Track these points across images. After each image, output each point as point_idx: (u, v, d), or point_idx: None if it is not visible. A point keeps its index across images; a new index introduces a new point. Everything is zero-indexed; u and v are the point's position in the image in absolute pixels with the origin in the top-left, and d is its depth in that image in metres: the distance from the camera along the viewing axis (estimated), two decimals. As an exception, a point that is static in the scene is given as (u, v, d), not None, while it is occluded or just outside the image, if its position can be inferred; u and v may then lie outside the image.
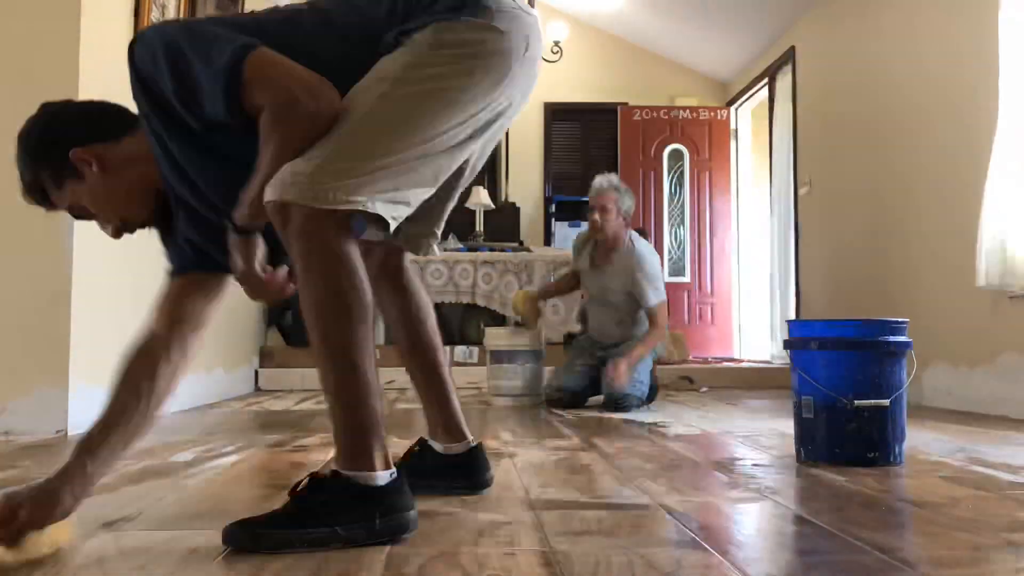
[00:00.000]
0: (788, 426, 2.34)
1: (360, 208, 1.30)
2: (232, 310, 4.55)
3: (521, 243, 6.90)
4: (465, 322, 5.99)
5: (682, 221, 7.63)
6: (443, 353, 1.74)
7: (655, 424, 3.11)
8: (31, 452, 2.34)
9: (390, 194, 1.34)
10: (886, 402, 2.06)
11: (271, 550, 1.22)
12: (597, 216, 3.86)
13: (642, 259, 3.85)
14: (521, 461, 2.16)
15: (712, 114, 7.67)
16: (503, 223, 6.91)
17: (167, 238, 1.54)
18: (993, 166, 3.49)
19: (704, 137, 7.64)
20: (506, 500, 1.63)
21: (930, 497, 1.67)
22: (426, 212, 1.54)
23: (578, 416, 3.44)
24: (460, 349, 5.58)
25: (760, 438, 2.68)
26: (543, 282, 5.72)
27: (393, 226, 1.36)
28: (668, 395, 4.49)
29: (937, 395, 4.08)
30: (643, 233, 4.28)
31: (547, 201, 7.75)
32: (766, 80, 6.79)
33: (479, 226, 6.45)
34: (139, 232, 1.49)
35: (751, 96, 7.38)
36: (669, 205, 7.62)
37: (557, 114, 7.95)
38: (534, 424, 3.11)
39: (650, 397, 3.86)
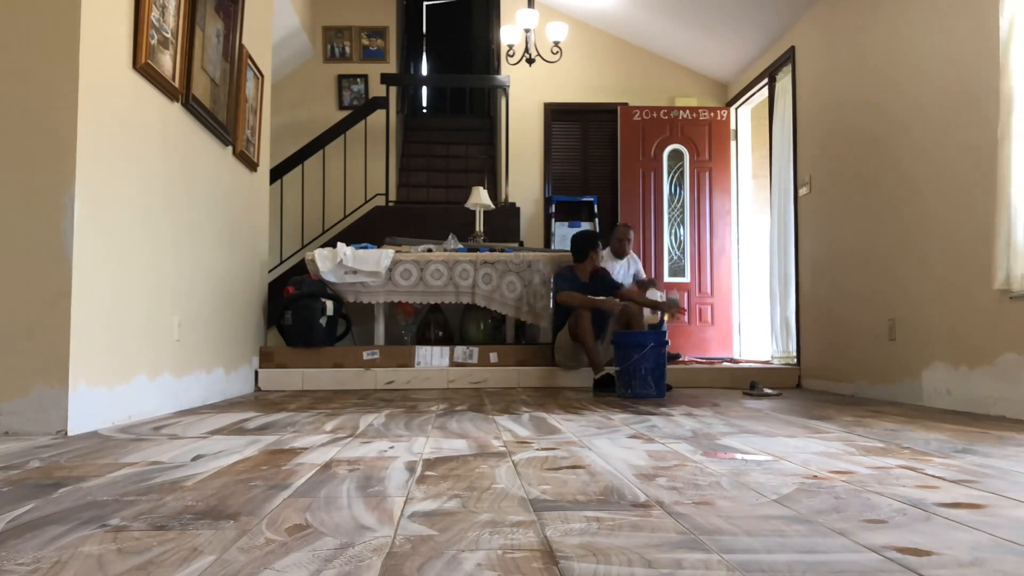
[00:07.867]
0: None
1: None
2: (232, 310, 4.55)
3: (521, 243, 6.90)
4: (465, 322, 5.99)
5: (682, 221, 7.63)
6: None
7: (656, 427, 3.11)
8: (32, 452, 2.34)
9: None
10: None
11: None
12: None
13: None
14: (521, 461, 2.17)
15: (712, 114, 7.68)
16: (503, 223, 6.91)
17: None
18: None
19: (704, 137, 7.65)
20: (506, 500, 1.63)
21: (929, 497, 1.67)
22: None
23: (579, 415, 3.44)
24: (460, 349, 5.59)
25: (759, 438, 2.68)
26: (545, 282, 5.72)
27: None
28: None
29: (937, 395, 4.08)
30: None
31: (547, 201, 7.76)
32: (766, 80, 6.79)
33: (479, 226, 6.45)
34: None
35: (751, 96, 7.38)
36: (669, 205, 7.62)
37: (557, 114, 7.95)
38: (534, 424, 3.11)
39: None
